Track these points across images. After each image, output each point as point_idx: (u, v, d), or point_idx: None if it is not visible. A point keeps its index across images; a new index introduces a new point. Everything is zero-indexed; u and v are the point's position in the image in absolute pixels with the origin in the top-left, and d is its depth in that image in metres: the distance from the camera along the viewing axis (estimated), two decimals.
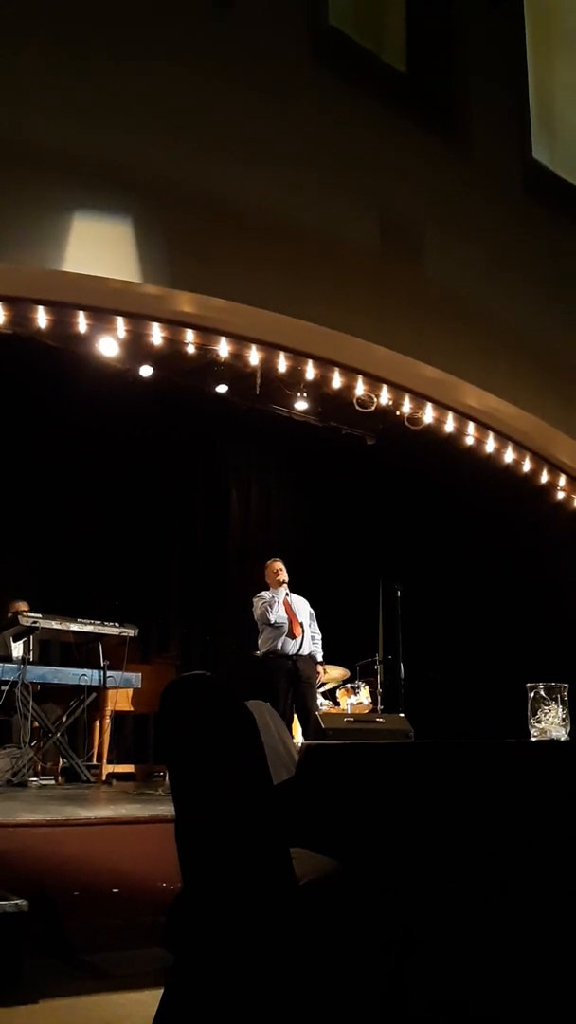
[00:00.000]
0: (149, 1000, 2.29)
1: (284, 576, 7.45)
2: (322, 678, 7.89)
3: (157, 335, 6.14)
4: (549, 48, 8.47)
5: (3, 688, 6.50)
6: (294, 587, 7.53)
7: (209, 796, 2.18)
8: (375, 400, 7.09)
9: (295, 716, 7.46)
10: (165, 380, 7.55)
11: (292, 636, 7.24)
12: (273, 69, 6.21)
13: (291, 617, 7.31)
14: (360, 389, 6.95)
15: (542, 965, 2.19)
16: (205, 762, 2.17)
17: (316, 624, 7.61)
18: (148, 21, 5.71)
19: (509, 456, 7.69)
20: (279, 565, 7.53)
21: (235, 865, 2.10)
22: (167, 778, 5.25)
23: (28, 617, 6.81)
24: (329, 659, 8.09)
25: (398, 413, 7.40)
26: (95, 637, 7.25)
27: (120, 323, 5.97)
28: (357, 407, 7.20)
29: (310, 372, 6.77)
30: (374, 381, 6.91)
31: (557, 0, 8.80)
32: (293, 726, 7.41)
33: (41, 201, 5.19)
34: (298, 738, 7.29)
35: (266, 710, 2.94)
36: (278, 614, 7.28)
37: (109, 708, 7.49)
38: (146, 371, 7.29)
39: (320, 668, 7.63)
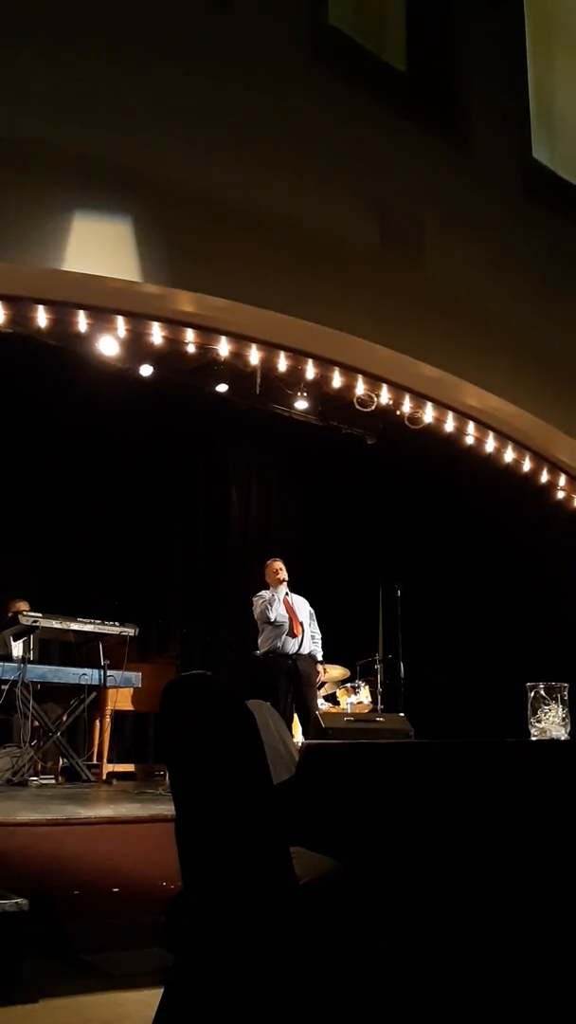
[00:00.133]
0: (149, 1000, 2.29)
1: (284, 575, 7.46)
2: (322, 677, 7.89)
3: (157, 334, 6.14)
4: (549, 47, 8.47)
5: (3, 687, 6.50)
6: (294, 586, 7.54)
7: (209, 796, 2.18)
8: (375, 399, 7.09)
9: (295, 715, 7.46)
10: (165, 379, 7.56)
11: (292, 635, 7.25)
12: (273, 69, 6.21)
13: (291, 616, 7.31)
14: (360, 388, 6.95)
15: (542, 964, 2.19)
16: (205, 761, 2.17)
17: (316, 623, 7.61)
18: (148, 21, 5.71)
19: (509, 455, 7.69)
20: (279, 564, 7.54)
21: (235, 865, 2.10)
22: (167, 777, 5.26)
23: (28, 616, 6.82)
24: (329, 658, 8.09)
25: (398, 412, 7.41)
26: (95, 636, 7.25)
27: (120, 322, 5.97)
28: (357, 406, 7.20)
29: (310, 371, 6.77)
30: (374, 380, 6.91)
31: (557, 0, 8.79)
32: (293, 725, 7.41)
33: (41, 200, 5.19)
34: (298, 737, 7.30)
35: (266, 709, 2.94)
36: (278, 612, 7.28)
37: (109, 707, 7.49)
38: (146, 370, 7.29)
39: (320, 667, 7.64)
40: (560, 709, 2.70)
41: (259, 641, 7.41)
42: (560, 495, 8.07)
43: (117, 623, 7.29)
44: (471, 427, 7.45)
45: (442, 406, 7.24)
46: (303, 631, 7.32)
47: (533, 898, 2.24)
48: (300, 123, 6.25)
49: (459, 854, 2.25)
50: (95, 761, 7.48)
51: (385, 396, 7.05)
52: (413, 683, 8.30)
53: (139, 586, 9.21)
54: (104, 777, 7.14)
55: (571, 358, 7.55)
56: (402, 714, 6.61)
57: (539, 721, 2.71)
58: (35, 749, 6.95)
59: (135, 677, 7.41)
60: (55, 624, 6.92)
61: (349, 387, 6.95)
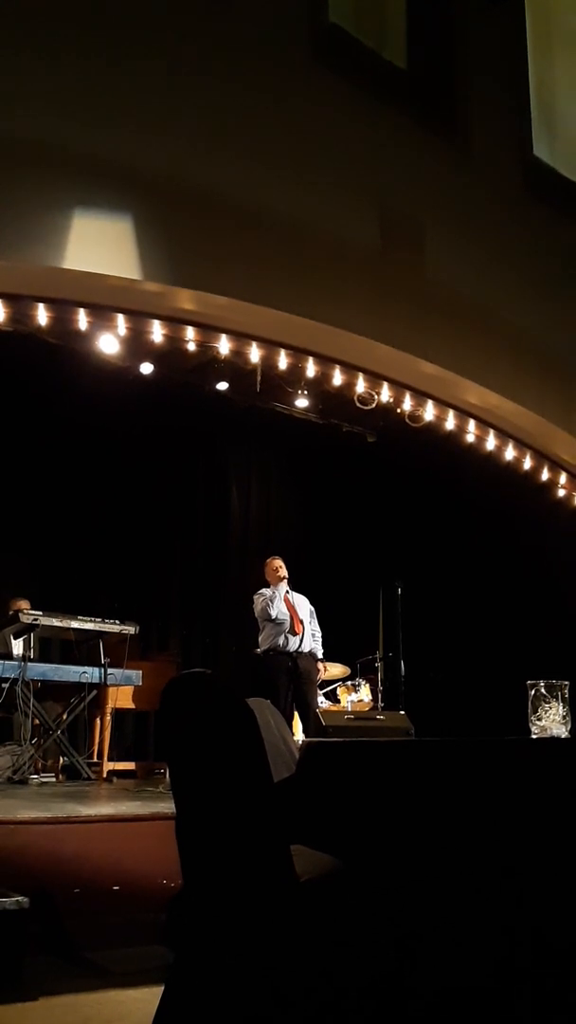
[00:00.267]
0: (150, 998, 2.29)
1: (284, 573, 7.46)
2: (322, 676, 7.90)
3: (157, 332, 6.13)
4: (550, 45, 8.46)
5: (4, 686, 6.51)
6: (295, 585, 7.54)
7: (210, 793, 2.18)
8: (376, 397, 7.08)
9: (295, 713, 7.47)
10: (165, 377, 7.55)
11: (293, 633, 7.25)
12: (273, 67, 6.20)
13: (292, 614, 7.32)
14: (361, 386, 6.95)
15: (543, 963, 2.19)
16: (206, 759, 2.17)
17: (316, 621, 7.62)
18: (148, 21, 5.70)
19: (510, 453, 7.69)
20: (279, 562, 7.54)
21: (236, 863, 2.10)
22: (167, 775, 5.26)
23: (29, 615, 6.82)
24: (330, 656, 8.10)
25: (399, 410, 7.40)
26: (96, 634, 7.25)
27: (120, 320, 5.96)
28: (358, 404, 7.20)
29: (311, 369, 6.76)
30: (375, 378, 6.91)
31: None
32: (294, 723, 7.42)
33: (41, 199, 5.18)
34: (298, 735, 7.30)
35: (267, 708, 2.94)
36: (279, 610, 7.29)
37: (110, 705, 7.49)
38: (146, 368, 7.28)
39: (320, 665, 7.64)
40: (560, 707, 2.71)
41: (259, 639, 7.41)
42: (560, 493, 8.07)
43: (117, 621, 7.29)
44: (472, 425, 7.45)
45: (443, 404, 7.24)
46: (304, 629, 7.32)
47: (533, 897, 2.24)
48: (300, 121, 6.24)
49: (459, 853, 2.25)
50: (96, 759, 7.48)
51: (385, 394, 7.05)
52: (413, 681, 8.30)
53: (139, 584, 9.21)
54: (104, 775, 7.15)
55: (572, 356, 7.55)
56: (403, 712, 6.61)
57: (540, 719, 2.71)
58: (36, 747, 6.95)
59: (135, 675, 7.42)
60: (55, 622, 6.92)
61: (349, 385, 6.94)
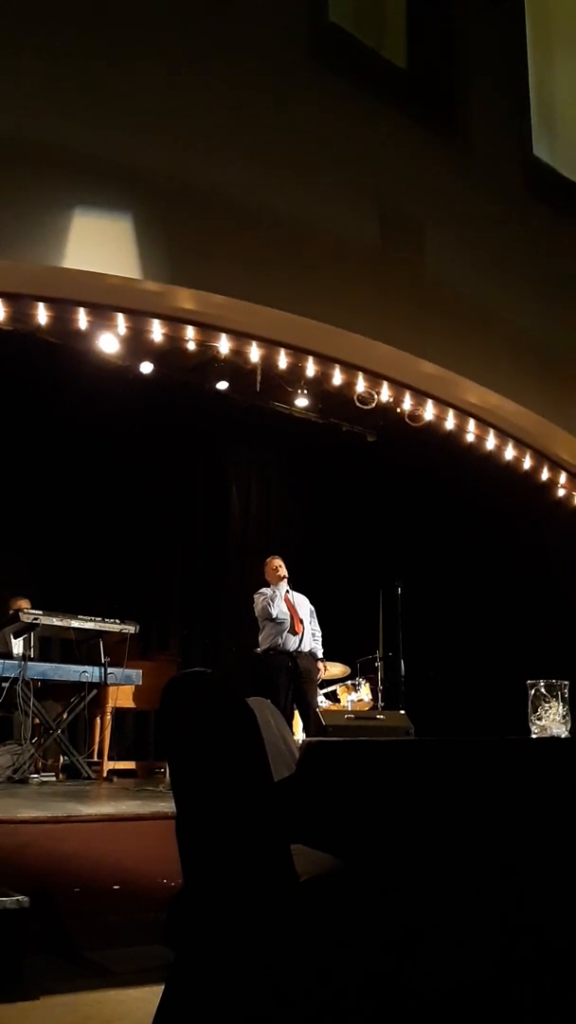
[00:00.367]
0: (150, 997, 2.29)
1: (283, 572, 7.47)
2: (322, 675, 7.90)
3: (157, 331, 6.13)
4: (550, 45, 8.46)
5: (4, 685, 6.51)
6: (294, 584, 7.55)
7: (210, 793, 2.18)
8: (375, 397, 7.08)
9: (295, 712, 7.47)
10: (165, 377, 7.55)
11: (293, 632, 7.26)
12: (273, 66, 6.20)
13: (292, 613, 7.32)
14: (360, 386, 6.95)
15: (543, 962, 2.19)
16: (206, 759, 2.18)
17: (316, 621, 7.62)
18: (148, 21, 5.70)
19: (510, 453, 7.69)
20: (278, 562, 7.55)
21: (236, 862, 2.10)
22: (168, 775, 5.26)
23: (29, 614, 6.82)
24: (330, 656, 8.10)
25: (398, 410, 7.40)
26: (96, 634, 7.25)
27: (120, 319, 5.96)
28: (357, 404, 7.20)
29: (310, 369, 6.76)
30: (374, 378, 6.91)
31: None
32: (294, 723, 7.42)
33: (41, 198, 5.18)
34: (298, 735, 7.31)
35: (267, 707, 2.95)
36: (280, 609, 7.29)
37: (110, 705, 7.49)
38: (146, 368, 7.29)
39: (320, 665, 7.65)
40: (560, 707, 2.71)
41: (260, 638, 7.42)
42: (560, 492, 8.07)
43: (117, 620, 7.29)
44: (471, 424, 7.45)
45: (442, 403, 7.23)
46: (304, 629, 7.33)
47: (533, 897, 2.24)
48: (300, 121, 6.24)
49: (460, 852, 2.25)
50: (96, 758, 7.49)
51: (385, 393, 7.05)
52: (413, 680, 8.30)
53: (139, 584, 9.22)
54: (105, 774, 7.15)
55: (572, 355, 7.55)
56: (402, 711, 6.61)
57: (540, 719, 2.71)
58: (36, 746, 6.96)
59: (135, 674, 7.42)
60: (55, 622, 6.92)
61: (349, 384, 6.94)
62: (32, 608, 7.07)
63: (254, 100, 6.02)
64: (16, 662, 6.66)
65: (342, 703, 8.53)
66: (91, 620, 7.16)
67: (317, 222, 6.18)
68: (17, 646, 6.96)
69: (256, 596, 7.49)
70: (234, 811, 2.13)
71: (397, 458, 8.85)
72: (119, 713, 7.96)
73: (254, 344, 6.40)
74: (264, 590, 7.47)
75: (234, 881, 2.10)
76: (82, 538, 8.74)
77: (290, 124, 6.17)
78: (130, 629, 7.32)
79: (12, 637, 6.97)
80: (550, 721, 2.70)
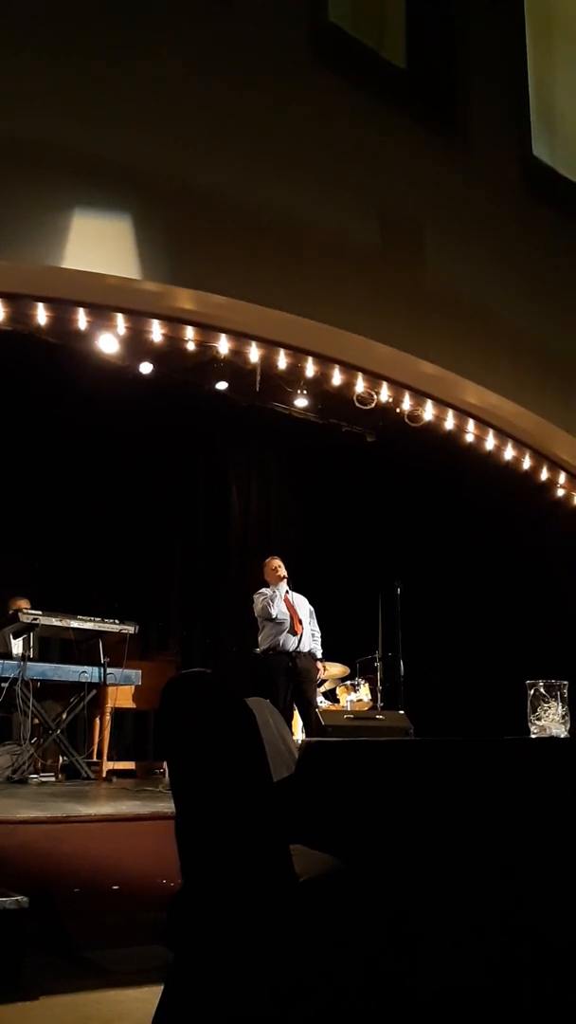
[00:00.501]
0: (149, 997, 2.29)
1: (283, 572, 7.47)
2: (322, 675, 7.90)
3: (157, 332, 6.13)
4: (550, 45, 8.46)
5: (3, 685, 6.50)
6: (294, 584, 7.55)
7: (209, 793, 2.18)
8: (375, 397, 7.09)
9: (295, 712, 7.47)
10: (165, 377, 7.55)
11: (293, 633, 7.26)
12: (273, 67, 6.20)
13: (292, 614, 7.32)
14: (360, 386, 6.96)
15: (542, 963, 2.19)
16: (205, 759, 2.18)
17: (315, 621, 7.63)
18: (148, 21, 5.70)
19: (509, 453, 7.69)
20: (277, 562, 7.54)
21: (235, 862, 2.10)
22: (167, 775, 5.26)
23: (28, 614, 6.81)
24: (329, 656, 8.10)
25: (398, 410, 7.41)
26: (95, 634, 7.25)
27: (120, 320, 5.96)
28: (357, 404, 7.20)
29: (310, 369, 6.77)
30: (374, 378, 6.91)
31: None
32: (293, 723, 7.42)
33: (41, 198, 5.19)
34: (298, 735, 7.31)
35: (266, 707, 2.94)
36: (279, 609, 7.29)
37: (109, 705, 7.49)
38: (146, 368, 7.28)
39: (320, 665, 7.64)
40: (560, 707, 2.71)
41: (259, 638, 7.41)
42: (560, 493, 8.07)
43: (117, 621, 7.29)
44: (471, 425, 7.45)
45: (442, 404, 7.24)
46: (303, 629, 7.33)
47: (533, 897, 2.24)
48: (300, 121, 6.24)
49: (459, 852, 2.25)
50: (95, 759, 7.48)
51: (385, 394, 7.05)
52: (413, 681, 8.30)
53: (139, 584, 9.21)
54: (104, 775, 7.15)
55: (571, 356, 7.55)
56: (402, 712, 6.61)
57: (539, 719, 2.71)
58: (35, 747, 6.95)
59: (135, 675, 7.42)
60: (55, 622, 6.92)
61: (349, 385, 6.95)
62: (32, 608, 7.07)
63: (254, 100, 6.03)
64: (15, 662, 6.65)
65: (341, 703, 8.54)
66: (90, 620, 7.15)
67: (317, 222, 6.18)
68: (16, 646, 6.96)
69: (256, 596, 7.48)
70: (233, 811, 2.13)
71: (397, 458, 8.85)
72: (118, 713, 7.95)
73: (254, 344, 6.41)
74: (264, 590, 7.47)
75: (233, 881, 2.10)
76: (82, 538, 8.74)
77: (290, 124, 6.17)
78: (129, 629, 7.32)
79: (11, 637, 6.96)
80: (549, 721, 2.70)
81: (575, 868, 2.27)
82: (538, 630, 8.10)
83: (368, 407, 7.23)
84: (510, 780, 2.39)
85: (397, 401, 7.19)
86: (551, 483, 7.99)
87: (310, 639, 7.42)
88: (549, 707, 2.71)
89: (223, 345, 6.36)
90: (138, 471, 9.23)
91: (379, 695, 8.40)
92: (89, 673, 7.02)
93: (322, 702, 8.18)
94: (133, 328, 6.07)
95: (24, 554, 8.42)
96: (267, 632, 7.34)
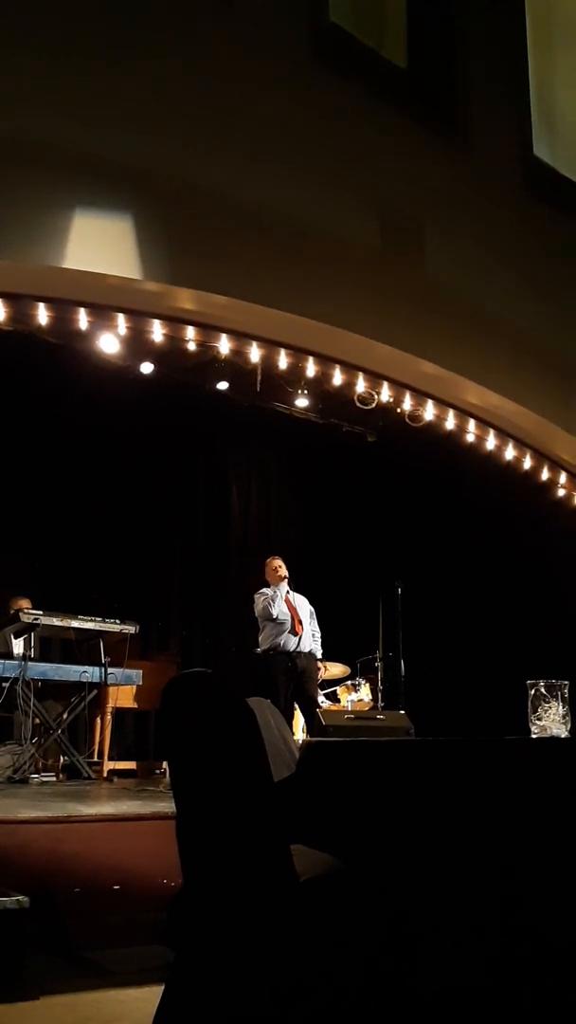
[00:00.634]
0: (150, 997, 2.29)
1: (284, 572, 7.47)
2: (322, 675, 7.90)
3: (158, 332, 6.13)
4: (550, 44, 8.46)
5: (4, 685, 6.50)
6: (295, 584, 7.55)
7: (210, 793, 2.18)
8: (376, 397, 7.09)
9: (296, 711, 7.48)
10: (166, 377, 7.55)
11: (294, 633, 7.26)
12: (273, 66, 6.20)
13: (293, 614, 7.32)
14: (361, 386, 6.95)
15: (542, 963, 2.19)
16: (206, 759, 2.18)
17: (316, 622, 7.63)
18: (148, 20, 5.70)
19: (510, 453, 7.69)
20: (278, 562, 7.54)
21: (236, 862, 2.10)
22: (168, 775, 5.26)
23: (29, 614, 6.81)
24: (330, 656, 8.10)
25: (399, 410, 7.41)
26: (96, 634, 7.25)
27: (121, 320, 5.96)
28: (358, 404, 7.20)
29: (311, 369, 6.77)
30: (375, 378, 6.91)
31: None
32: (294, 722, 7.42)
33: (41, 198, 5.19)
34: (299, 734, 7.31)
35: (267, 707, 2.94)
36: (280, 610, 7.29)
37: (110, 705, 7.49)
38: (147, 368, 7.28)
39: (320, 665, 7.64)
40: (560, 707, 2.71)
41: (260, 639, 7.41)
42: (560, 493, 8.07)
43: (118, 621, 7.29)
44: (472, 425, 7.45)
45: (443, 403, 7.24)
46: (304, 629, 7.33)
47: (533, 897, 2.24)
48: (300, 121, 6.24)
49: (459, 852, 2.25)
50: (96, 758, 7.48)
51: (386, 394, 7.05)
52: (414, 681, 8.30)
53: (140, 584, 9.21)
54: (105, 774, 7.15)
55: (572, 355, 7.55)
56: (403, 712, 6.61)
57: (539, 719, 2.71)
58: (36, 747, 6.95)
59: (136, 675, 7.42)
60: (56, 622, 6.92)
61: (350, 384, 6.95)
62: (33, 608, 7.07)
63: (254, 100, 6.02)
64: (16, 662, 6.65)
65: (342, 703, 8.54)
66: (91, 620, 7.15)
67: (317, 222, 6.18)
68: (17, 646, 6.96)
69: (256, 596, 7.48)
70: (234, 811, 2.13)
71: (397, 458, 8.85)
72: (119, 713, 7.95)
73: (254, 344, 6.41)
74: (265, 590, 7.47)
75: (234, 881, 2.10)
76: (82, 538, 8.73)
77: (290, 124, 6.17)
78: (130, 629, 7.32)
79: (12, 637, 6.97)
80: (550, 721, 2.70)
81: (575, 868, 2.27)
82: (539, 630, 8.10)
83: (369, 407, 7.23)
84: (511, 780, 2.39)
85: (398, 401, 7.19)
86: (552, 483, 7.99)
87: (310, 639, 7.42)
88: (550, 707, 2.71)
89: (224, 345, 6.36)
90: (139, 471, 9.23)
91: (380, 695, 8.40)
92: (90, 673, 7.02)
93: (323, 702, 8.18)
94: (134, 328, 6.07)
95: (25, 554, 8.42)
96: (268, 632, 7.34)
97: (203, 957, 2.11)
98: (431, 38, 7.36)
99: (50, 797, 5.60)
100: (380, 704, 8.31)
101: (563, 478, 7.96)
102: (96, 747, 7.61)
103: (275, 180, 6.00)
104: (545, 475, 7.90)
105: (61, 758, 7.34)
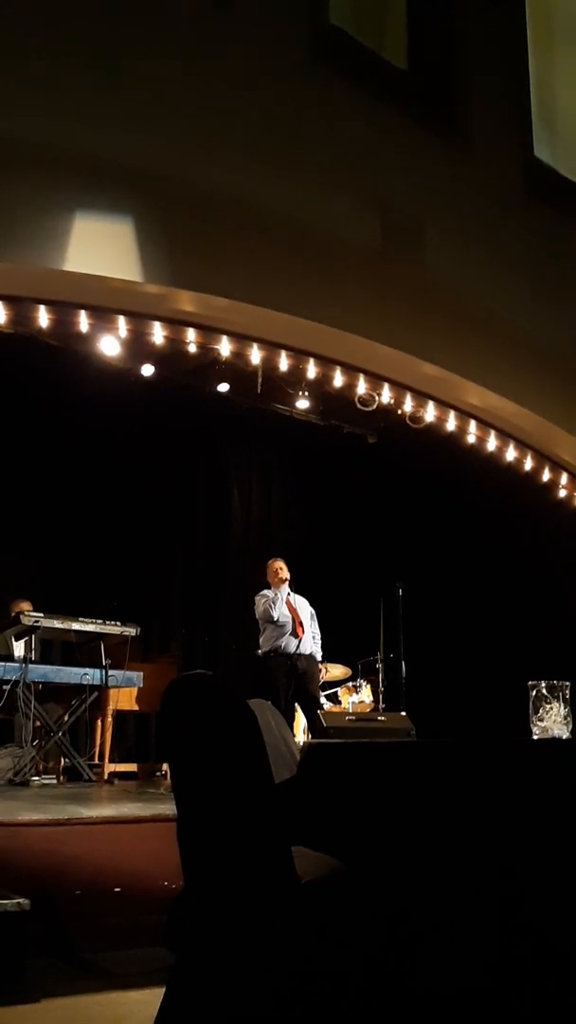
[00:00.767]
0: (151, 999, 2.29)
1: (285, 574, 7.46)
2: (323, 677, 7.89)
3: (158, 334, 6.13)
4: (550, 45, 8.45)
5: (5, 687, 6.50)
6: (296, 586, 7.54)
7: (211, 795, 2.18)
8: (376, 398, 7.08)
9: (298, 712, 7.47)
10: (166, 379, 7.55)
11: (295, 635, 7.26)
12: (274, 68, 6.20)
13: (294, 616, 7.32)
14: (361, 387, 6.95)
15: (543, 964, 2.19)
16: (206, 761, 2.17)
17: (316, 624, 7.62)
18: (148, 21, 5.70)
19: (511, 454, 7.68)
20: (280, 564, 7.54)
21: (237, 864, 2.10)
22: (168, 777, 5.25)
23: (30, 616, 6.82)
24: (331, 658, 8.09)
25: (399, 411, 7.40)
26: (97, 636, 7.25)
27: (121, 322, 5.97)
28: (358, 405, 7.20)
29: (311, 371, 6.77)
30: (375, 379, 6.91)
31: None
32: (295, 724, 7.42)
33: (42, 201, 5.19)
34: (300, 736, 7.31)
35: (268, 709, 2.94)
36: (281, 612, 7.29)
37: (111, 707, 7.48)
38: (147, 370, 7.29)
39: (321, 667, 7.64)
40: (562, 708, 2.70)
41: (260, 640, 7.41)
42: (562, 494, 8.06)
43: (118, 623, 7.29)
44: (473, 426, 7.45)
45: (443, 405, 7.23)
46: (305, 631, 7.32)
47: (533, 898, 2.24)
48: (301, 122, 6.24)
49: (460, 854, 2.25)
50: (97, 761, 7.48)
51: (386, 395, 7.05)
52: (415, 682, 8.30)
53: (140, 586, 9.21)
54: (106, 777, 7.14)
55: (573, 356, 7.54)
56: (404, 713, 6.60)
57: (541, 720, 2.71)
58: (37, 749, 6.95)
59: (136, 677, 7.41)
60: (56, 624, 6.92)
61: (350, 386, 6.94)
62: (33, 611, 7.07)
63: (255, 101, 6.02)
64: (17, 664, 6.65)
65: (343, 705, 8.53)
66: (92, 622, 7.15)
67: (317, 223, 6.18)
68: (18, 648, 6.96)
69: (257, 598, 7.48)
70: (235, 813, 2.12)
71: (398, 460, 8.85)
72: (120, 715, 7.95)
73: (255, 346, 6.41)
74: (266, 592, 7.47)
75: (235, 883, 2.09)
76: (83, 540, 8.74)
77: (291, 126, 6.17)
78: (131, 631, 7.32)
79: (13, 639, 6.97)
80: (551, 722, 2.69)
81: (575, 869, 2.26)
82: (540, 631, 8.09)
83: (369, 408, 7.23)
84: (512, 781, 2.39)
85: (399, 402, 7.18)
86: (553, 484, 7.98)
87: (311, 641, 7.41)
88: (551, 708, 2.70)
89: (224, 347, 6.36)
90: (139, 473, 9.23)
91: (381, 696, 8.39)
92: (91, 675, 7.02)
93: (324, 704, 8.18)
94: (134, 330, 6.07)
95: (26, 556, 8.42)
96: (268, 634, 7.34)
97: (204, 959, 2.11)
98: (431, 39, 7.35)
99: (51, 799, 5.60)
100: (381, 705, 8.30)
101: (564, 479, 7.95)
102: (97, 749, 7.61)
103: (275, 181, 6.00)
104: (546, 476, 7.90)
105: (62, 760, 7.34)
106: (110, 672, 7.11)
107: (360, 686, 8.64)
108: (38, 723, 7.02)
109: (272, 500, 10.58)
